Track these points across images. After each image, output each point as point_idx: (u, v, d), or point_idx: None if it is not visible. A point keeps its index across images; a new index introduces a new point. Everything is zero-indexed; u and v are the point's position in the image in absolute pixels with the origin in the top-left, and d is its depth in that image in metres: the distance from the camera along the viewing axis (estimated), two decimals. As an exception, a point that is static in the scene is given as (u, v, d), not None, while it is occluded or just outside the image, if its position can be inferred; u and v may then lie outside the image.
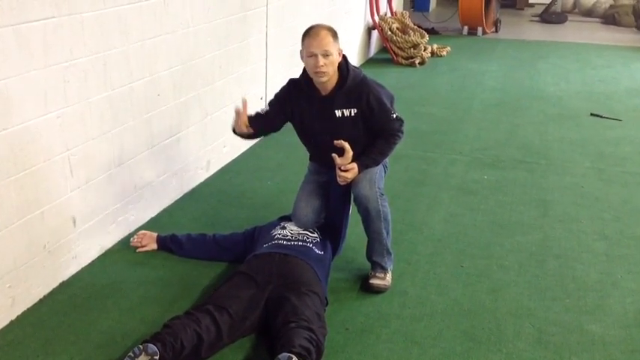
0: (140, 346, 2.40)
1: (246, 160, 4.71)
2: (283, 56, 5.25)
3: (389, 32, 7.95)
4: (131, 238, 3.48)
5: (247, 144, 4.70)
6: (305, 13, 5.66)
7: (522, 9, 12.56)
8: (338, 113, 3.06)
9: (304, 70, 3.07)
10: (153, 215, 3.79)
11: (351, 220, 3.41)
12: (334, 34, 2.98)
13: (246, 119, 3.05)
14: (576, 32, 10.45)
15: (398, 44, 7.92)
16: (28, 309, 2.89)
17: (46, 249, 2.97)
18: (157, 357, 2.38)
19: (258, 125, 3.11)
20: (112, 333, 2.75)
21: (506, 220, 3.89)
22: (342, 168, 3.01)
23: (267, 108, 3.21)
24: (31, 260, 2.89)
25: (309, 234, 3.21)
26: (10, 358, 2.59)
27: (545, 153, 5.03)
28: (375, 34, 8.26)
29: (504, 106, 6.29)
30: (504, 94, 6.76)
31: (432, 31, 9.35)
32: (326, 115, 3.07)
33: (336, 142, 2.97)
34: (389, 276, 3.15)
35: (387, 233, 3.13)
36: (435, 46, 8.36)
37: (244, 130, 3.07)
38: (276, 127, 3.24)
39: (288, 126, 3.26)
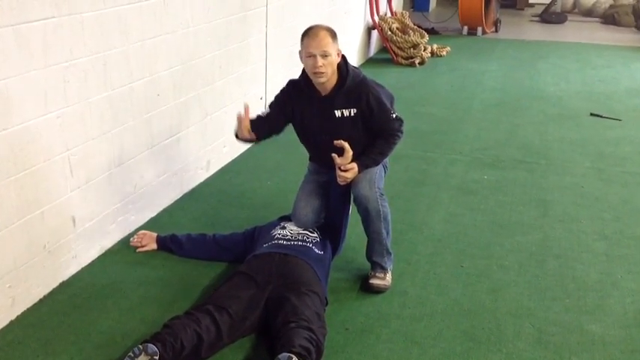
0: (140, 346, 2.40)
1: (246, 160, 4.71)
2: (283, 56, 5.25)
3: (389, 32, 7.95)
4: (131, 238, 3.48)
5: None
6: (305, 13, 5.66)
7: (522, 9, 12.56)
8: (337, 113, 3.06)
9: (303, 70, 3.07)
10: (153, 215, 3.79)
11: (351, 220, 3.41)
12: (333, 35, 2.98)
13: (248, 125, 3.05)
14: (576, 32, 10.45)
15: (398, 44, 7.92)
16: (28, 309, 2.89)
17: (46, 249, 2.97)
18: (157, 357, 2.38)
19: (261, 129, 3.11)
20: (112, 333, 2.75)
21: (506, 220, 3.89)
22: (342, 168, 3.01)
23: (268, 110, 3.21)
24: (31, 260, 2.89)
25: (309, 234, 3.21)
26: (10, 358, 2.59)
27: (545, 153, 5.03)
28: (374, 34, 8.27)
29: (504, 106, 6.29)
30: (504, 94, 6.76)
31: (431, 31, 9.35)
32: (326, 115, 3.07)
33: (335, 142, 2.97)
34: (389, 276, 3.15)
35: (387, 233, 3.13)
36: (434, 46, 8.36)
37: (247, 135, 3.07)
38: (278, 129, 3.24)
39: (288, 126, 3.26)
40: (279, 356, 2.36)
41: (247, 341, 2.72)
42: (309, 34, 2.97)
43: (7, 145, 2.66)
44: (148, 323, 2.80)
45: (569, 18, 11.43)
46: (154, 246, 3.41)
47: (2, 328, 2.75)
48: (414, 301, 3.05)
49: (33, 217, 2.86)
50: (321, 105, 3.08)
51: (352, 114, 3.05)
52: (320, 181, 3.32)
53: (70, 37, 2.90)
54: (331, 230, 3.30)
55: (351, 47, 7.34)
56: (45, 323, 2.81)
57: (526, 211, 4.02)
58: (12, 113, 2.66)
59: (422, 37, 8.10)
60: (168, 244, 3.38)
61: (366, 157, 3.05)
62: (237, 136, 3.14)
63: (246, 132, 3.05)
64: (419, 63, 7.86)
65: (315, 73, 2.96)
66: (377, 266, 3.15)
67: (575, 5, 12.23)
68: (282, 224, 3.31)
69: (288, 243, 3.11)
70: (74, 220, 3.13)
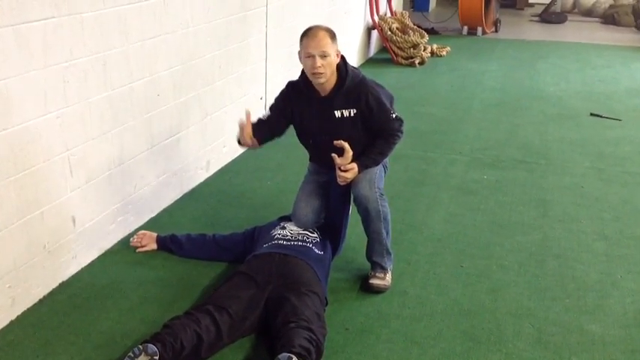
0: (140, 346, 2.40)
1: (246, 160, 4.71)
2: (283, 56, 5.25)
3: (389, 32, 7.95)
4: (131, 238, 3.48)
5: (247, 144, 4.70)
6: (305, 13, 5.66)
7: (522, 9, 12.56)
8: (337, 114, 3.06)
9: (303, 71, 3.07)
10: (153, 215, 3.79)
11: (351, 220, 3.41)
12: (332, 35, 2.97)
13: (250, 130, 3.05)
14: (576, 32, 10.45)
15: (398, 44, 7.92)
16: (27, 309, 2.89)
17: (46, 249, 2.97)
18: (157, 357, 2.38)
19: (262, 133, 3.12)
20: (111, 333, 2.75)
21: (506, 220, 3.89)
22: (342, 168, 3.01)
23: (268, 113, 3.21)
24: (30, 260, 2.89)
25: (309, 234, 3.21)
26: (10, 358, 2.59)
27: (545, 153, 5.04)
28: (374, 34, 8.27)
29: (504, 106, 6.29)
30: (504, 94, 6.76)
31: (431, 31, 9.36)
32: (325, 115, 3.07)
33: (335, 142, 2.97)
34: (389, 276, 3.15)
35: (387, 233, 3.13)
36: (434, 46, 8.36)
37: (249, 142, 3.08)
38: (280, 132, 3.24)
39: (289, 128, 3.26)
40: (279, 356, 2.36)
41: (247, 341, 2.72)
42: (308, 34, 2.96)
43: (7, 145, 2.66)
44: (147, 323, 2.80)
45: (569, 18, 11.44)
46: (154, 246, 3.41)
47: (2, 328, 2.75)
48: (413, 301, 3.05)
49: (33, 217, 2.86)
50: (320, 105, 3.08)
51: (352, 114, 3.05)
52: (320, 182, 3.32)
53: (69, 37, 2.90)
54: (331, 230, 3.30)
55: (351, 47, 7.34)
56: (45, 323, 2.81)
57: (526, 211, 4.02)
58: (12, 113, 2.66)
59: (422, 37, 8.10)
60: (168, 244, 3.38)
61: (366, 158, 3.05)
62: (239, 142, 3.15)
63: (249, 138, 3.06)
64: (419, 63, 7.86)
65: (314, 73, 2.96)
66: (377, 266, 3.15)
67: (575, 5, 12.23)
68: (282, 224, 3.31)
69: (288, 243, 3.11)
70: (74, 221, 3.13)
